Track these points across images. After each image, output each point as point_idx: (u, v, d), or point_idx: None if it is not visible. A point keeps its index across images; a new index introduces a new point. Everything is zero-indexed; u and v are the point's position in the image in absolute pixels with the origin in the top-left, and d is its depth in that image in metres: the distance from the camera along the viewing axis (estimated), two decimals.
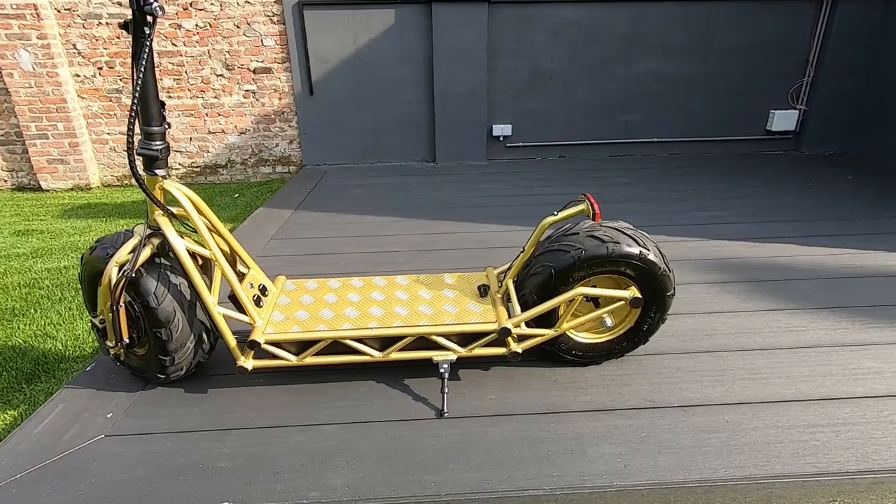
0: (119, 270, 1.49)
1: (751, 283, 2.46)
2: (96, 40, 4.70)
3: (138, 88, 1.26)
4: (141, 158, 1.43)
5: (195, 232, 1.58)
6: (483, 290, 1.81)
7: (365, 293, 1.83)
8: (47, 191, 5.08)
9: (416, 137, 5.20)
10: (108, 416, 1.64)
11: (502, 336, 1.65)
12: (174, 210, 1.55)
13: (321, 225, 3.44)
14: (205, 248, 1.62)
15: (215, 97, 4.96)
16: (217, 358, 1.91)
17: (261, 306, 1.70)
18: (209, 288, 1.61)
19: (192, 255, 1.59)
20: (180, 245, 1.51)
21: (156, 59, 4.77)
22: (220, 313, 1.59)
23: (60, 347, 2.39)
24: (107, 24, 4.65)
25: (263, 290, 1.77)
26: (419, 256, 2.89)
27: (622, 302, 1.66)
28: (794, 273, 2.56)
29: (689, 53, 4.97)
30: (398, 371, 1.84)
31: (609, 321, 1.71)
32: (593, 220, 1.60)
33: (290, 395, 1.72)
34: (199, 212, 1.58)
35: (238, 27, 4.75)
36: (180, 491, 1.36)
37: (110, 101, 4.91)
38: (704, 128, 5.25)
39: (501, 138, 5.21)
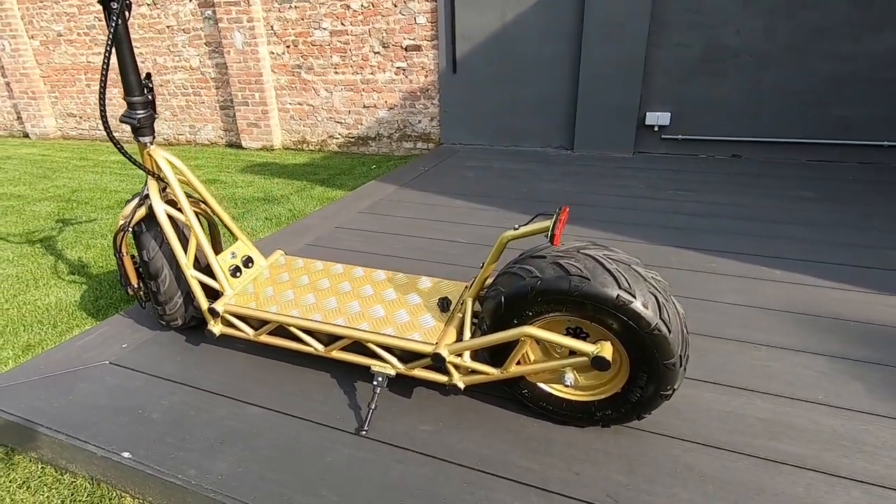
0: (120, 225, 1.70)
1: None
2: (287, 22, 5.43)
3: (107, 61, 1.38)
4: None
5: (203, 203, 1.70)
6: (443, 305, 1.55)
7: (336, 282, 1.75)
8: (245, 149, 6.18)
9: (555, 122, 4.77)
10: (123, 346, 1.92)
11: (436, 362, 1.39)
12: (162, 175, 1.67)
13: (413, 205, 3.43)
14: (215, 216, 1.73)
15: (371, 73, 5.31)
16: None
17: (236, 277, 1.76)
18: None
19: (201, 218, 1.72)
20: (160, 208, 1.65)
21: (327, 37, 5.32)
22: (194, 276, 1.69)
23: None
24: (295, 7, 5.33)
25: (248, 261, 1.83)
26: (475, 251, 2.65)
27: (584, 359, 1.23)
28: None
29: None
30: (359, 372, 1.73)
31: (569, 378, 1.29)
32: (551, 242, 1.20)
33: (250, 368, 1.76)
34: (186, 182, 1.68)
35: (395, 6, 4.95)
36: (109, 429, 1.51)
37: (293, 75, 5.67)
38: None
39: (656, 128, 4.43)
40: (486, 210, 3.28)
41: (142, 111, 1.56)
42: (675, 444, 1.38)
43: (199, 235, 1.67)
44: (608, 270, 1.18)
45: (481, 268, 1.44)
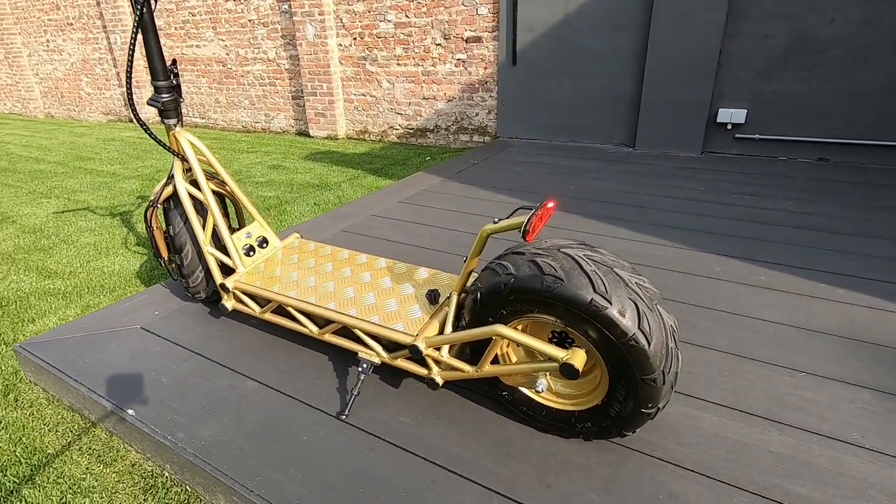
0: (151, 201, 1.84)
1: None
2: (355, 14, 5.59)
3: (132, 47, 1.48)
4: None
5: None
6: (431, 297, 1.52)
7: (338, 267, 1.77)
8: (312, 137, 6.47)
9: (617, 117, 4.52)
10: (155, 313, 2.08)
11: (413, 354, 1.37)
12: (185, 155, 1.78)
13: (454, 197, 3.41)
14: (235, 196, 1.83)
15: (432, 65, 5.33)
16: None
17: (250, 256, 1.84)
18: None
19: (219, 197, 1.82)
20: (181, 187, 1.76)
21: (391, 30, 5.41)
22: (210, 253, 1.79)
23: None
24: (363, 0, 5.47)
25: (263, 241, 1.90)
26: (504, 247, 2.59)
27: (554, 365, 1.15)
28: None
29: None
30: (353, 357, 1.75)
31: (542, 384, 1.21)
32: (524, 238, 1.13)
33: (257, 344, 1.84)
34: (206, 163, 1.78)
35: None
36: (122, 388, 1.64)
37: (358, 66, 5.83)
38: None
39: (729, 126, 4.06)
40: (525, 206, 3.18)
41: (167, 95, 1.67)
42: (663, 469, 1.26)
43: (216, 214, 1.76)
44: (584, 272, 1.09)
45: (464, 262, 1.39)
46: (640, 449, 1.32)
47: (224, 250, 1.88)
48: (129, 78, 1.52)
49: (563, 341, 1.26)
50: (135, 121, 1.52)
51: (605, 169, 3.95)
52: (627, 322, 1.06)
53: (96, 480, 1.48)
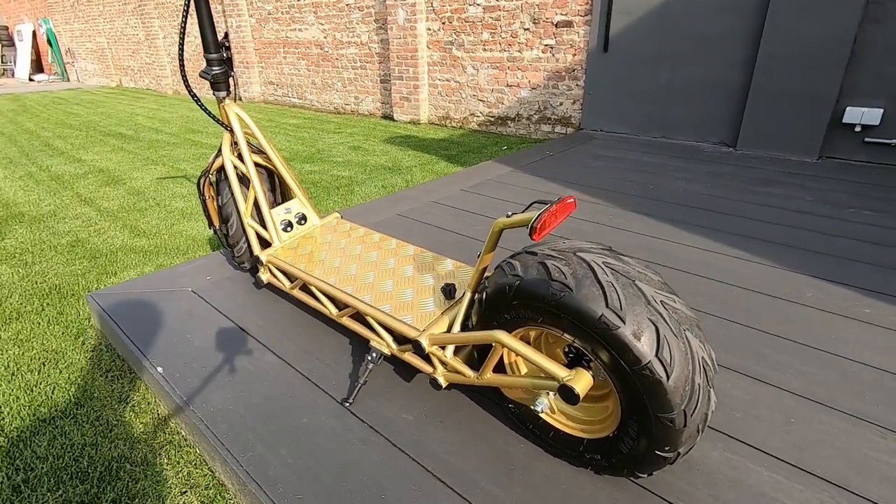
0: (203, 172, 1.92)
1: None
2: None
3: (184, 21, 1.52)
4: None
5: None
6: (448, 292, 1.41)
7: (367, 250, 1.72)
8: (396, 121, 6.55)
9: (718, 112, 4.04)
10: (208, 278, 2.19)
11: (416, 350, 1.28)
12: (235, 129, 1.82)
13: (518, 189, 3.25)
14: (279, 168, 1.86)
15: (518, 51, 5.13)
16: None
17: (287, 231, 1.86)
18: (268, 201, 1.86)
19: (261, 168, 1.86)
20: (227, 159, 1.80)
21: (480, 14, 5.27)
22: (250, 225, 1.83)
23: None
24: None
25: (302, 218, 1.91)
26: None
27: (553, 384, 0.99)
28: None
29: None
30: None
31: (542, 403, 1.06)
32: (530, 236, 0.98)
33: (287, 319, 1.86)
34: (250, 135, 1.81)
35: None
36: (160, 345, 1.73)
37: (445, 51, 5.77)
38: None
39: (858, 128, 3.46)
40: (590, 203, 2.94)
41: (217, 68, 1.71)
42: None
43: (256, 188, 1.79)
44: (598, 282, 0.93)
45: (478, 257, 1.27)
46: (663, 494, 1.13)
47: (264, 224, 1.91)
48: (181, 51, 1.57)
49: (579, 359, 1.11)
50: (188, 92, 1.59)
51: (694, 169, 3.54)
52: (643, 347, 0.88)
53: (125, 428, 1.58)
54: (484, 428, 1.33)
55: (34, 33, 15.29)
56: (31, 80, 15.02)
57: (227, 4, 8.08)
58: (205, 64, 1.65)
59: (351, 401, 1.41)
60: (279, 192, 2.05)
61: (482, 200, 3.04)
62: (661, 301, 0.92)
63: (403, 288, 1.49)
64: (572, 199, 1.01)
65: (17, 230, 3.29)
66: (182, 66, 1.59)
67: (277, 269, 1.78)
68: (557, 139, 4.75)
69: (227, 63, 1.73)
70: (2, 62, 16.11)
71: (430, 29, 5.79)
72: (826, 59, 3.40)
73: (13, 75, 15.93)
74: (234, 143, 1.87)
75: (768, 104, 3.70)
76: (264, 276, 1.82)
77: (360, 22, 6.47)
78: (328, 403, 1.45)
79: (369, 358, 1.43)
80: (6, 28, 16.43)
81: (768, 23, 3.54)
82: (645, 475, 1.04)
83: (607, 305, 0.91)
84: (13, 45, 16.15)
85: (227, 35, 1.71)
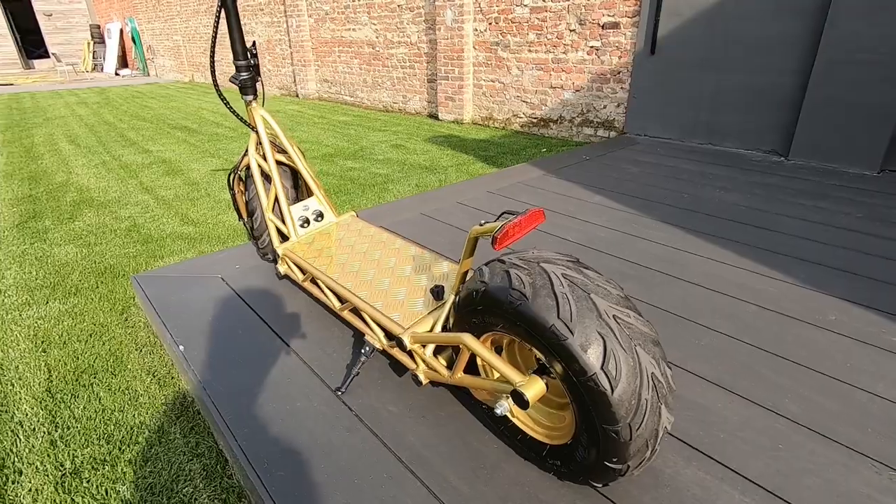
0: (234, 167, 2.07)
1: None
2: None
3: (215, 29, 1.65)
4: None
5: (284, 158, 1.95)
6: (437, 293, 1.46)
7: (372, 248, 1.80)
8: (441, 120, 6.64)
9: (770, 119, 3.83)
10: (237, 267, 2.36)
11: (398, 345, 1.35)
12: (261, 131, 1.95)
13: (546, 193, 3.25)
14: (303, 169, 1.99)
15: (563, 52, 5.07)
16: None
17: (304, 227, 1.97)
18: (288, 197, 2.00)
19: (284, 166, 1.99)
20: (252, 158, 1.94)
21: (526, 14, 5.25)
22: (271, 220, 1.96)
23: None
24: None
25: (319, 216, 2.02)
26: (574, 252, 2.39)
27: (508, 387, 1.03)
28: None
29: None
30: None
31: (502, 406, 1.09)
32: (493, 245, 1.01)
33: (302, 309, 1.98)
34: (273, 136, 1.93)
35: None
36: (185, 326, 1.89)
37: (490, 52, 5.79)
38: None
39: None
40: (618, 211, 2.89)
41: (245, 73, 1.85)
42: None
43: (277, 185, 1.92)
44: (553, 293, 0.96)
45: (458, 263, 1.32)
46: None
47: (284, 219, 2.04)
48: (212, 56, 1.72)
49: (545, 368, 1.13)
50: (217, 95, 1.75)
51: (737, 179, 3.39)
52: (589, 359, 0.91)
53: (149, 398, 1.75)
54: (461, 426, 1.38)
55: (121, 31, 16.65)
56: (116, 74, 16.37)
57: (289, 5, 8.47)
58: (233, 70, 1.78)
59: (343, 390, 1.50)
60: (302, 190, 2.17)
61: (506, 203, 3.07)
62: (614, 315, 0.94)
63: (398, 286, 1.57)
64: (540, 211, 1.04)
65: (87, 213, 3.65)
66: (213, 71, 1.73)
67: (292, 262, 1.90)
68: (598, 143, 4.66)
69: (254, 69, 1.87)
70: (93, 58, 17.68)
71: (476, 29, 5.83)
72: (891, 65, 3.15)
73: (102, 70, 17.42)
74: (260, 143, 2.02)
75: (825, 112, 3.48)
76: (282, 267, 1.95)
77: (410, 22, 6.60)
78: (322, 391, 1.54)
79: (362, 351, 1.51)
80: (98, 26, 17.99)
81: (828, 26, 3.33)
82: (600, 485, 1.06)
83: (558, 316, 0.93)
84: (103, 42, 17.67)
85: (254, 44, 1.85)
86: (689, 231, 2.58)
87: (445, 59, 6.17)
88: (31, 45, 19.77)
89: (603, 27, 4.67)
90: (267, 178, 2.03)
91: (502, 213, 1.09)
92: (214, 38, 1.68)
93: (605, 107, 4.93)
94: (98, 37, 17.88)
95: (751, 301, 1.93)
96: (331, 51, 8.23)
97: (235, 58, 1.83)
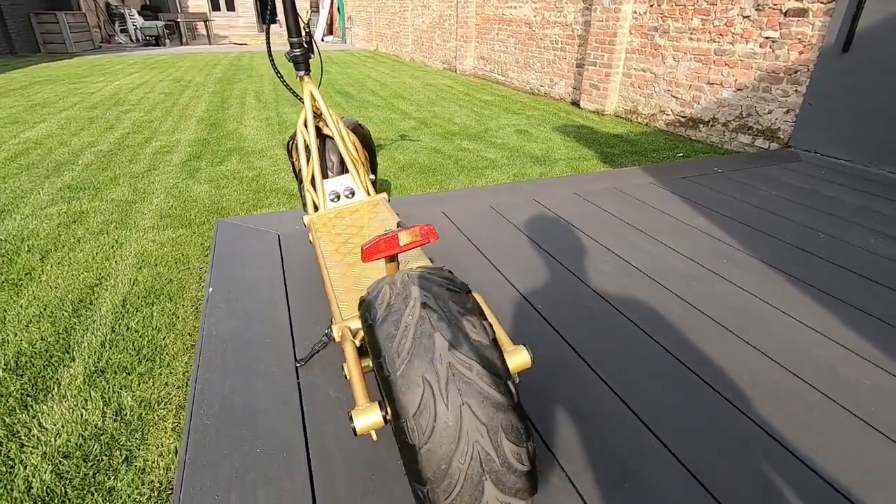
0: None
1: None
2: None
3: (272, 6, 1.76)
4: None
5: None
6: None
7: (374, 233, 1.80)
8: (581, 109, 6.21)
9: None
10: (297, 227, 2.57)
11: (327, 335, 1.35)
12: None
13: (639, 205, 2.86)
14: (341, 137, 2.07)
15: (730, 43, 4.30)
16: None
17: (334, 202, 2.05)
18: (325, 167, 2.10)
19: (321, 135, 2.09)
20: (299, 130, 2.05)
21: None
22: (308, 190, 2.08)
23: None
24: None
25: (351, 193, 2.07)
26: (631, 281, 2.09)
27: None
28: None
29: None
30: None
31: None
32: (362, 258, 0.92)
33: (319, 281, 2.09)
34: (317, 110, 2.01)
35: None
36: (226, 270, 2.13)
37: (646, 38, 5.18)
38: None
39: None
40: (712, 239, 2.41)
41: (298, 50, 1.95)
42: None
43: (314, 158, 2.02)
44: (400, 321, 0.85)
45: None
46: None
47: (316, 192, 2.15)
48: (268, 33, 1.85)
49: None
50: (274, 71, 1.88)
51: None
52: (405, 403, 0.79)
53: (183, 325, 2.04)
54: (381, 433, 1.34)
55: (332, 2, 18.80)
56: (322, 40, 18.65)
57: None
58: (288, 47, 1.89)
59: (302, 363, 1.56)
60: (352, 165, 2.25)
61: (586, 209, 2.78)
62: (450, 363, 0.80)
63: (369, 276, 1.55)
64: (430, 229, 0.92)
65: (233, 159, 4.30)
66: (269, 46, 1.87)
67: (314, 232, 2.00)
68: (744, 155, 3.91)
69: (308, 46, 1.96)
70: (308, 26, 20.44)
71: (635, 12, 5.25)
72: None
73: (312, 36, 20.01)
74: (319, 116, 2.13)
75: None
76: (311, 236, 2.07)
77: (568, 1, 6.22)
78: (287, 361, 1.63)
79: (326, 331, 1.55)
80: None
81: None
82: None
83: (392, 347, 0.83)
84: (318, 11, 20.22)
85: (308, 23, 1.94)
86: (797, 283, 2.05)
87: (596, 43, 5.70)
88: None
89: (785, 14, 3.82)
90: (309, 151, 2.15)
91: (398, 225, 1.00)
92: (273, 13, 1.81)
93: (770, 112, 4.08)
94: (315, 6, 20.50)
95: (846, 404, 1.47)
96: (491, 28, 8.20)
97: (289, 35, 1.95)
